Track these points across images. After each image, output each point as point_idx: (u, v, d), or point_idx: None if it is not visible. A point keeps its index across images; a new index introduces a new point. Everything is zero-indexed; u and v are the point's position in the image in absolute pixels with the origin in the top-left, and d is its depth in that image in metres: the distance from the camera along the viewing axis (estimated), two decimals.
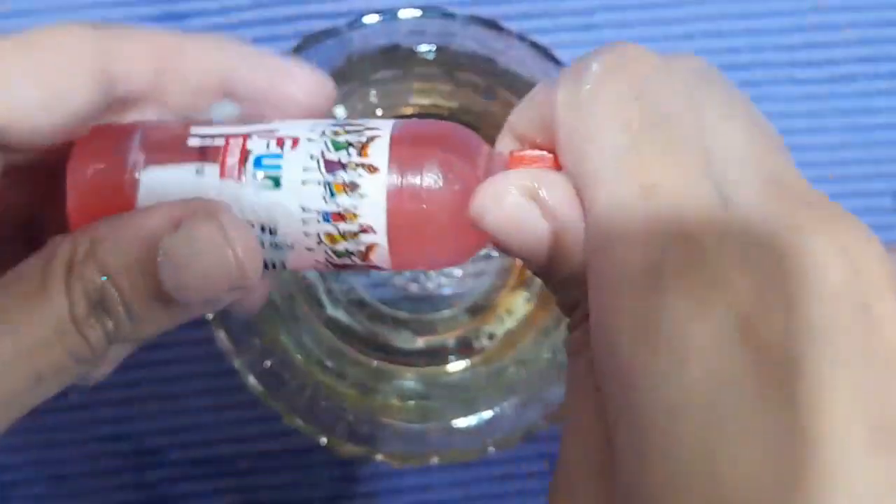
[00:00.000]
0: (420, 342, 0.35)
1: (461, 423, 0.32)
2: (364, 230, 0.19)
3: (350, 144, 0.19)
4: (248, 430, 0.36)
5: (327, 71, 0.32)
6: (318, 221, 0.19)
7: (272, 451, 0.36)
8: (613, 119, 0.16)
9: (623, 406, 0.15)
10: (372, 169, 0.19)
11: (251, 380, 0.29)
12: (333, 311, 0.34)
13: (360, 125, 0.19)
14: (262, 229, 0.19)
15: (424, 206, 0.18)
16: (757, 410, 0.14)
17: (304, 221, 0.19)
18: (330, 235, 0.19)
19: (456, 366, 0.34)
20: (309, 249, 0.19)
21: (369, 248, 0.19)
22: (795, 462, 0.13)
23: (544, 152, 0.19)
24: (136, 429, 0.36)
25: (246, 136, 0.19)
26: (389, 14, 0.30)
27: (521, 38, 0.30)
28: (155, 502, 0.36)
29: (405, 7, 0.29)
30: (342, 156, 0.19)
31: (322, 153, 0.19)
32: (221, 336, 0.29)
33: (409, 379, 0.34)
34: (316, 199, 0.19)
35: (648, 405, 0.14)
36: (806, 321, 0.14)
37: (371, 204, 0.18)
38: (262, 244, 0.19)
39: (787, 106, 0.37)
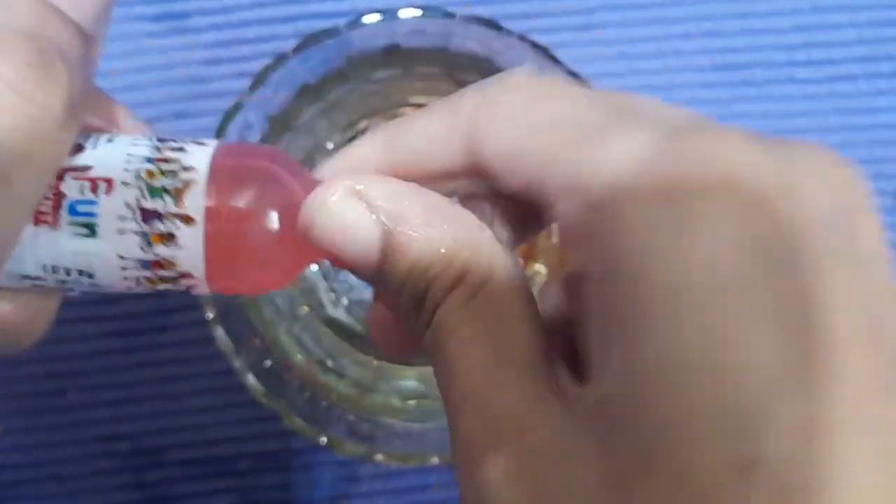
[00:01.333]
0: None
1: None
2: (183, 276, 0.19)
3: (165, 191, 0.18)
4: (248, 430, 0.36)
5: (327, 71, 0.32)
6: (137, 268, 0.19)
7: (272, 451, 0.36)
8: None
9: (624, 302, 0.14)
10: (188, 220, 0.18)
11: (251, 380, 0.29)
12: (333, 311, 0.34)
13: (176, 163, 0.19)
14: (80, 273, 0.19)
15: (244, 250, 0.19)
16: (765, 299, 0.14)
17: (123, 268, 0.19)
18: (149, 280, 0.19)
19: None
20: (129, 288, 0.19)
21: (189, 287, 0.19)
22: (805, 354, 0.13)
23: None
24: (135, 429, 0.36)
25: (60, 178, 0.19)
26: (389, 14, 0.30)
27: (521, 38, 0.30)
28: (154, 502, 0.36)
29: (405, 7, 0.29)
30: (158, 205, 0.18)
31: (138, 201, 0.18)
32: (221, 336, 0.29)
33: (409, 379, 0.34)
34: (133, 248, 0.18)
35: (651, 285, 0.14)
36: (803, 218, 0.14)
37: (189, 254, 0.18)
38: (80, 284, 0.19)
39: (787, 106, 0.37)
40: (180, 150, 0.19)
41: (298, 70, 0.30)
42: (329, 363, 0.33)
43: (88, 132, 0.20)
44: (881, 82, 0.37)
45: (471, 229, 0.18)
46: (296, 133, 0.32)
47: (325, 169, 0.20)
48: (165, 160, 0.19)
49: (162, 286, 0.19)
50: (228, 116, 0.29)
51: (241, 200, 0.18)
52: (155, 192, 0.18)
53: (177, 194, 0.18)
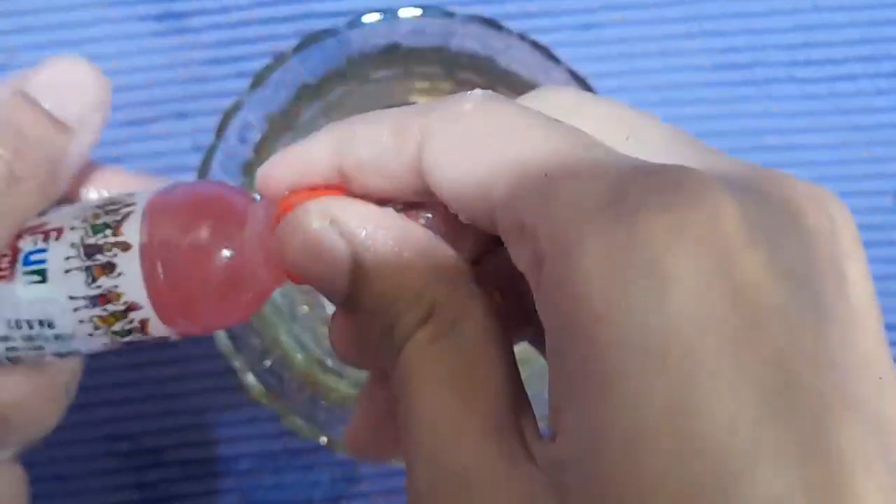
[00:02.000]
0: None
1: None
2: (131, 308, 0.19)
3: (107, 226, 0.19)
4: (248, 430, 0.36)
5: (327, 71, 0.32)
6: (87, 307, 0.19)
7: (272, 451, 0.36)
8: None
9: (580, 357, 0.13)
10: (125, 246, 0.18)
11: (251, 379, 0.29)
12: (333, 311, 0.34)
13: (120, 203, 0.19)
14: (41, 324, 0.19)
15: (182, 272, 0.18)
16: (737, 362, 0.13)
17: (75, 310, 0.19)
18: (102, 318, 0.19)
19: None
20: (90, 335, 0.19)
21: (143, 323, 0.19)
22: (776, 424, 0.12)
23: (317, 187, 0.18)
24: (135, 429, 0.36)
25: (18, 236, 0.20)
26: (389, 13, 0.30)
27: (522, 37, 0.30)
28: (154, 502, 0.36)
29: (405, 6, 0.29)
30: (99, 238, 0.19)
31: (82, 239, 0.19)
32: (221, 336, 0.29)
33: None
34: (80, 285, 0.19)
35: (619, 348, 0.13)
36: (788, 265, 0.13)
37: (129, 281, 0.18)
38: (46, 339, 0.19)
39: (788, 106, 0.37)
40: (130, 194, 0.19)
41: (298, 70, 0.30)
42: (329, 363, 0.33)
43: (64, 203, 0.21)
44: (882, 82, 0.37)
45: (445, 264, 0.17)
46: (296, 133, 0.32)
47: (270, 164, 0.18)
48: (112, 202, 0.19)
49: (119, 328, 0.19)
50: (228, 116, 0.29)
51: (175, 221, 0.19)
52: (97, 228, 0.19)
53: (116, 226, 0.19)
